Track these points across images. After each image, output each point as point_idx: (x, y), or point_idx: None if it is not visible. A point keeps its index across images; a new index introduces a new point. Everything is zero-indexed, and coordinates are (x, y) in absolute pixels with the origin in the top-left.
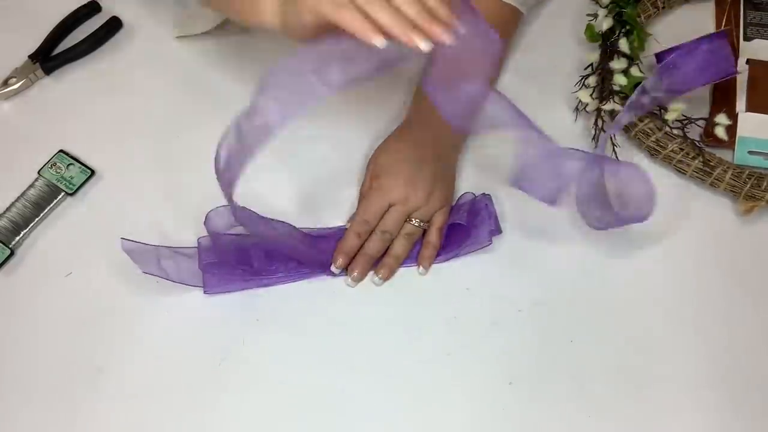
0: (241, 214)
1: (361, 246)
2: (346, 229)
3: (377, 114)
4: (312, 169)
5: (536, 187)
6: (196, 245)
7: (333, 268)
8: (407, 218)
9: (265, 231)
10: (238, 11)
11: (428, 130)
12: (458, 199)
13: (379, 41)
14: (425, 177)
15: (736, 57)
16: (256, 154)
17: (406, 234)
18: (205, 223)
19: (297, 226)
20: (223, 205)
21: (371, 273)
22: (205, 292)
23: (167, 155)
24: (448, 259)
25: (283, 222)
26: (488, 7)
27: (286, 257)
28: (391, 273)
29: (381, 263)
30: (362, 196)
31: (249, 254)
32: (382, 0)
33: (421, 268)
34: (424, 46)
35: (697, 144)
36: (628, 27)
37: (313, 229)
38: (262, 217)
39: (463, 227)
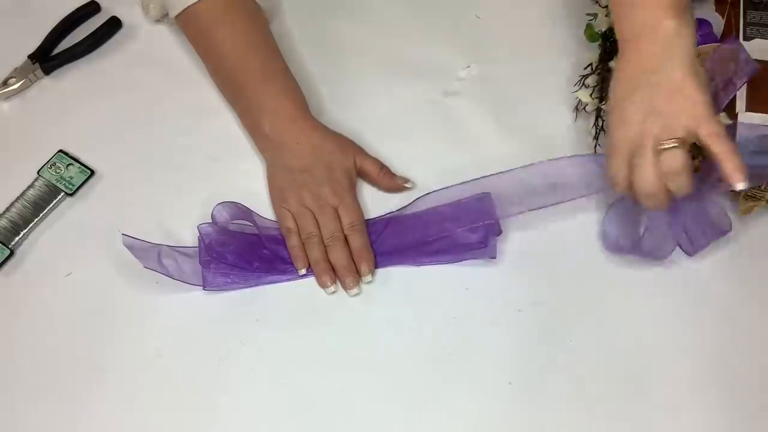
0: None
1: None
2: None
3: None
4: None
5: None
6: (197, 244)
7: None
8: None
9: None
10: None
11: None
12: (459, 209)
13: (301, 271)
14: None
15: None
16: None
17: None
18: (212, 215)
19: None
20: (230, 202)
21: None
22: (204, 288)
23: (167, 155)
24: (449, 262)
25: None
26: None
27: (283, 259)
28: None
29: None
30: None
31: (250, 252)
32: (319, 239)
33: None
34: (328, 291)
35: (697, 144)
36: None
37: None
38: (262, 217)
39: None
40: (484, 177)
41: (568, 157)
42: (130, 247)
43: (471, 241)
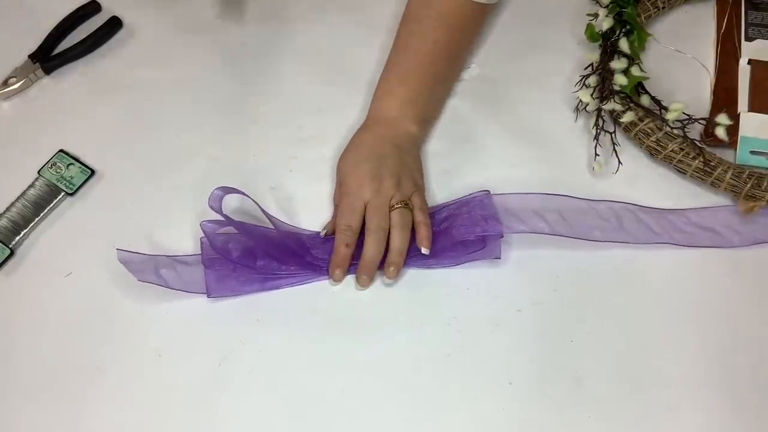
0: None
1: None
2: (332, 240)
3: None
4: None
5: None
6: (196, 252)
7: (331, 283)
8: (389, 207)
9: (261, 234)
10: None
11: (386, 127)
12: (460, 207)
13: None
14: (389, 167)
15: (738, 57)
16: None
17: (399, 224)
18: (202, 228)
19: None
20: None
21: (379, 273)
22: (208, 296)
23: (167, 155)
24: (454, 265)
25: (267, 229)
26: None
27: (287, 257)
28: (399, 270)
29: (387, 262)
30: (335, 205)
31: (252, 252)
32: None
33: (423, 249)
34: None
35: (698, 144)
36: (628, 27)
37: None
38: (255, 226)
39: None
40: (496, 194)
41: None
42: (125, 262)
43: (470, 239)
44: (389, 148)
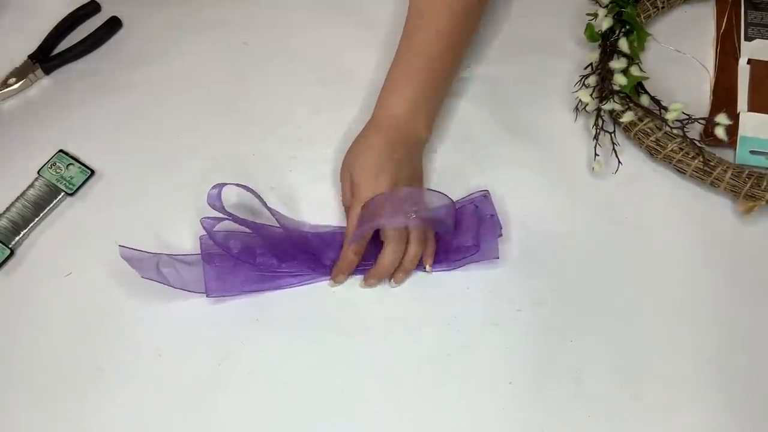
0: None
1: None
2: (342, 244)
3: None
4: (312, 168)
5: None
6: (196, 251)
7: (330, 284)
8: None
9: (261, 229)
10: None
11: (396, 129)
12: (459, 211)
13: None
14: (404, 175)
15: (737, 57)
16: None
17: (416, 237)
18: (202, 224)
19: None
20: (215, 217)
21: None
22: (207, 296)
23: (167, 155)
24: (454, 268)
25: (268, 225)
26: None
27: (287, 255)
28: (408, 276)
29: (399, 267)
30: (347, 209)
31: (252, 250)
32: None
33: (427, 267)
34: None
35: (697, 144)
36: (628, 27)
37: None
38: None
39: (472, 236)
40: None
41: None
42: (128, 259)
43: (467, 243)
44: (402, 153)
